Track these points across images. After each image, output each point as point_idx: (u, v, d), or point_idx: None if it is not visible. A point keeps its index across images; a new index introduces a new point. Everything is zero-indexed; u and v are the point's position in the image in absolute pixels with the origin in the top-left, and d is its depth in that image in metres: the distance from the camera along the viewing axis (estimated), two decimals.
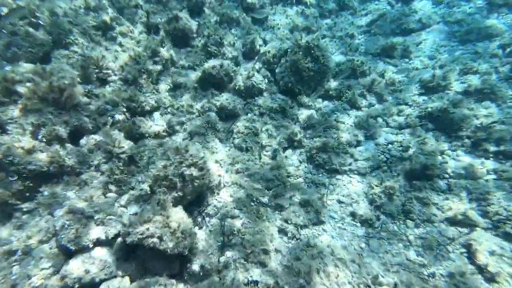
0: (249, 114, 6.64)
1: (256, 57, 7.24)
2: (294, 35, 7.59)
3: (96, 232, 4.11)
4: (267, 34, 8.21)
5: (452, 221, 5.07)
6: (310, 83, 6.80)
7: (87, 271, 3.75)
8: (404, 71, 7.64)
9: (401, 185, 5.62)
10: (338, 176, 5.95)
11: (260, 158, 6.04)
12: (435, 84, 7.00)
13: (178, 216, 4.57)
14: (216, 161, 5.91)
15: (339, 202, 5.56)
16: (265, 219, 5.17)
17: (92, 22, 6.38)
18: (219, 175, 5.55)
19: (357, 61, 7.34)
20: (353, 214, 5.34)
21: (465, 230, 4.94)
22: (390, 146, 6.31)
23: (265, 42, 8.02)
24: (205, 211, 5.28)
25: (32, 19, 5.78)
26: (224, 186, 5.66)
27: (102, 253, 4.03)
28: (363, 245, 4.96)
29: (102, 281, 3.80)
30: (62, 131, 4.93)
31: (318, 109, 6.88)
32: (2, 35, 5.50)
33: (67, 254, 3.97)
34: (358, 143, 6.41)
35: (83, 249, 3.98)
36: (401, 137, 6.36)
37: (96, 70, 5.91)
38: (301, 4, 9.28)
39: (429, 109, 6.45)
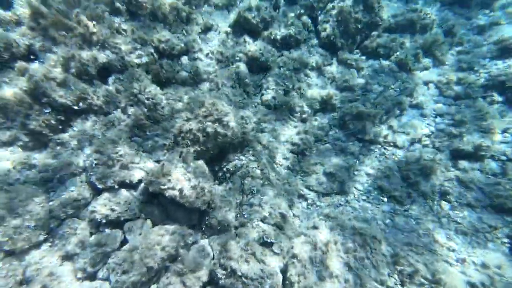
0: (282, 69, 6.01)
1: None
2: None
3: (121, 174, 4.24)
4: None
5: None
6: (355, 36, 5.81)
7: (113, 210, 3.97)
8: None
9: (442, 163, 5.01)
10: (372, 147, 5.44)
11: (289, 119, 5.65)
12: None
13: (200, 170, 4.58)
14: (242, 118, 5.62)
15: (367, 174, 5.19)
16: (286, 183, 5.05)
17: None
18: (244, 133, 5.33)
19: (420, 11, 5.97)
20: (381, 188, 4.98)
21: None
22: (438, 119, 5.50)
23: None
24: (226, 167, 5.24)
25: None
26: (248, 144, 5.48)
27: (126, 195, 4.20)
28: (387, 221, 4.73)
29: (126, 220, 4.03)
30: (91, 67, 4.80)
31: (360, 69, 6.00)
32: None
33: (95, 190, 4.20)
34: (401, 112, 5.66)
35: (110, 189, 4.17)
36: (455, 109, 5.44)
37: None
38: None
39: (503, 76, 5.27)
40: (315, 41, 6.10)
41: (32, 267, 3.32)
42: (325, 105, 5.55)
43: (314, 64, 5.86)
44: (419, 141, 5.05)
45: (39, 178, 4.06)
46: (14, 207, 3.47)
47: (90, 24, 4.78)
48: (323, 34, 5.82)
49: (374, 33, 5.68)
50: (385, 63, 5.87)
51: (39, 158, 4.24)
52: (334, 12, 5.66)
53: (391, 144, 5.18)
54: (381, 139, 5.20)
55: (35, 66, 4.41)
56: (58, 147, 4.44)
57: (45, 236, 3.56)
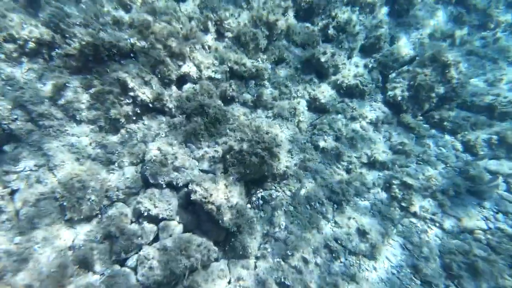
0: (339, 115, 6.10)
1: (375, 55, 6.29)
2: (433, 44, 6.11)
3: (171, 175, 4.63)
4: (403, 30, 6.79)
5: None
6: (424, 104, 5.67)
7: (155, 205, 4.33)
8: None
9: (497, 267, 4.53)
10: (414, 220, 5.17)
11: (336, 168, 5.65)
12: None
13: (239, 191, 4.80)
14: (289, 151, 5.78)
15: (402, 247, 4.91)
16: (315, 227, 5.02)
17: None
18: (287, 167, 5.46)
19: (505, 97, 5.65)
20: (415, 268, 4.66)
21: None
22: (500, 216, 5.00)
23: (394, 40, 6.73)
24: (262, 194, 5.38)
25: None
26: (288, 178, 5.59)
27: (169, 195, 4.56)
28: None
29: (163, 219, 4.36)
30: (174, 73, 5.40)
31: (420, 136, 5.80)
32: None
33: (145, 182, 4.64)
34: (456, 195, 5.29)
35: (157, 185, 4.58)
36: None
37: (218, 23, 6.10)
38: (460, 5, 7.30)
39: None
40: (379, 96, 6.11)
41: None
42: (374, 162, 5.45)
43: (373, 119, 5.84)
44: (471, 232, 4.65)
45: (105, 158, 4.63)
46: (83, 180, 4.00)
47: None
48: (390, 93, 5.81)
49: (446, 106, 5.50)
50: (449, 138, 5.61)
51: (110, 140, 4.85)
52: (407, 75, 5.64)
53: (437, 224, 4.87)
54: (427, 215, 4.92)
55: (134, 64, 5.10)
56: (127, 135, 5.03)
57: (97, 212, 4.02)
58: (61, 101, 4.26)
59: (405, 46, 5.96)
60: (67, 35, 4.44)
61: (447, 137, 5.63)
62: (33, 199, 3.48)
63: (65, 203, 3.69)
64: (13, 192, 3.44)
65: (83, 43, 4.45)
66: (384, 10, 6.44)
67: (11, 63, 4.02)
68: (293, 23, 6.57)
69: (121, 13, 5.46)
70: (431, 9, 6.17)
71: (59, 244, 3.63)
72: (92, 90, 4.64)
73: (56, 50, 4.36)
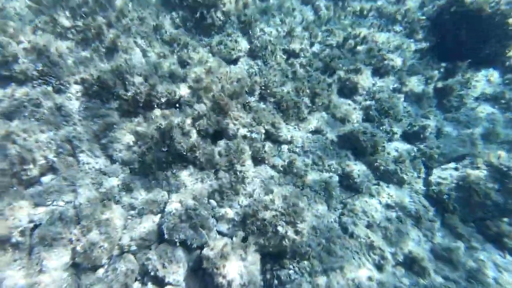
0: (373, 199, 5.67)
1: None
2: (487, 146, 5.64)
3: (187, 233, 4.39)
4: (451, 125, 6.32)
5: None
6: (475, 210, 5.05)
7: (164, 266, 4.03)
8: None
9: None
10: None
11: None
12: None
13: (255, 266, 4.38)
14: (314, 228, 5.35)
15: None
16: None
17: None
18: (309, 246, 4.98)
19: None
20: None
21: None
22: None
23: (440, 133, 6.35)
24: (278, 273, 4.86)
25: None
26: (310, 259, 5.05)
27: (181, 256, 4.26)
28: None
29: (168, 283, 4.00)
30: (212, 128, 5.55)
31: (471, 248, 5.00)
32: None
33: (161, 236, 4.42)
34: None
35: (171, 242, 4.33)
36: None
37: (263, 87, 6.42)
38: None
39: None
40: (420, 187, 5.66)
41: None
42: (412, 265, 4.77)
43: (411, 211, 5.32)
44: None
45: (128, 203, 4.59)
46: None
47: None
48: (434, 188, 5.35)
49: (505, 219, 4.86)
50: None
51: (137, 185, 4.85)
52: (457, 174, 5.22)
53: None
54: None
55: (177, 114, 5.36)
56: (154, 182, 5.04)
57: (105, 262, 3.81)
58: (104, 140, 4.45)
59: (453, 142, 5.67)
60: (127, 82, 4.85)
61: (509, 258, 4.79)
62: (50, 237, 3.39)
63: (78, 248, 3.55)
64: (35, 227, 3.41)
65: (139, 91, 4.82)
66: (432, 101, 6.39)
67: (73, 100, 4.38)
68: (334, 98, 6.70)
69: (177, 68, 5.98)
70: (484, 110, 6.00)
71: None
72: (137, 131, 4.85)
73: (114, 93, 4.73)
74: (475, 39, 5.98)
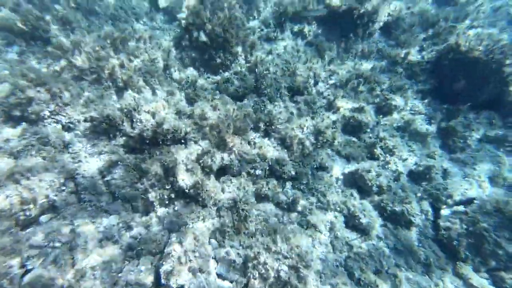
0: (381, 242, 5.45)
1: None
2: (495, 190, 5.52)
3: (185, 278, 4.19)
4: (457, 167, 6.14)
5: None
6: (489, 259, 4.78)
7: None
8: None
9: None
10: None
11: None
12: None
13: None
14: (318, 273, 5.08)
15: None
16: None
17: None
18: None
19: None
20: None
21: None
22: None
23: (447, 174, 6.16)
24: None
25: None
26: None
27: None
28: None
29: None
30: (216, 164, 5.53)
31: None
32: None
33: (157, 280, 4.22)
34: None
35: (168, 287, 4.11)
36: None
37: (268, 123, 6.52)
38: None
39: None
40: (429, 231, 5.45)
41: None
42: None
43: (422, 258, 5.06)
44: None
45: (126, 244, 4.45)
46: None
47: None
48: (444, 232, 5.14)
49: None
50: None
51: (137, 222, 4.75)
52: (466, 218, 5.05)
53: None
54: None
55: (182, 149, 5.40)
56: (154, 220, 4.93)
57: None
58: (108, 177, 4.44)
59: (460, 184, 5.56)
60: (135, 120, 4.95)
61: None
62: (40, 285, 3.24)
63: None
64: (26, 272, 3.27)
65: (146, 128, 4.90)
66: (436, 142, 6.39)
67: (80, 138, 4.46)
68: (338, 135, 6.74)
69: (184, 105, 6.15)
70: (490, 153, 5.97)
71: None
72: (139, 167, 4.85)
73: (121, 130, 4.81)
74: (472, 86, 6.16)
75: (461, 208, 5.24)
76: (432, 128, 6.57)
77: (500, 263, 4.44)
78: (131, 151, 5.02)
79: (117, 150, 4.64)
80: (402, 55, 7.27)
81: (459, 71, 6.25)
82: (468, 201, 5.34)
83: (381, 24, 7.77)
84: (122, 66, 5.04)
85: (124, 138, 4.78)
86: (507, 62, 5.57)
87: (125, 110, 4.85)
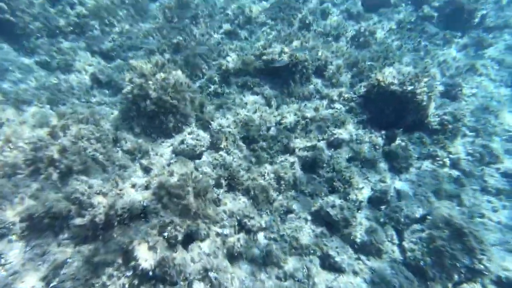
0: (358, 278, 5.50)
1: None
2: (440, 202, 6.12)
3: None
4: (407, 186, 6.89)
5: None
6: (452, 274, 5.08)
7: None
8: None
9: None
10: None
11: None
12: None
13: None
14: None
15: None
16: None
17: None
18: None
19: None
20: None
21: None
22: None
23: (400, 195, 6.75)
24: None
25: None
26: None
27: None
28: None
29: None
30: (181, 233, 5.25)
31: None
32: None
33: None
34: None
35: None
36: None
37: (229, 178, 6.51)
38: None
39: None
40: (398, 256, 5.69)
41: None
42: None
43: (396, 285, 5.19)
44: None
45: None
46: None
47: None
48: (410, 254, 5.43)
49: (478, 279, 4.97)
50: None
51: None
52: (424, 236, 5.43)
53: None
54: None
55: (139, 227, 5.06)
56: None
57: None
58: (54, 283, 3.90)
59: (413, 203, 6.08)
60: (84, 206, 4.59)
61: None
62: None
63: None
64: None
65: (98, 213, 4.55)
66: (384, 165, 7.05)
67: (19, 241, 3.94)
68: (300, 175, 7.01)
69: (139, 176, 5.92)
70: (427, 168, 6.85)
71: None
72: (95, 260, 4.37)
73: (70, 222, 4.39)
74: (398, 113, 7.17)
75: (419, 226, 5.65)
76: (378, 154, 7.24)
77: (461, 275, 4.77)
78: (84, 240, 4.56)
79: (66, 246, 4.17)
80: (337, 93, 8.20)
81: (385, 102, 7.23)
82: (422, 218, 5.80)
83: (314, 69, 8.78)
84: (64, 150, 4.76)
85: (73, 229, 4.34)
86: (418, 91, 6.67)
87: (73, 198, 4.49)
